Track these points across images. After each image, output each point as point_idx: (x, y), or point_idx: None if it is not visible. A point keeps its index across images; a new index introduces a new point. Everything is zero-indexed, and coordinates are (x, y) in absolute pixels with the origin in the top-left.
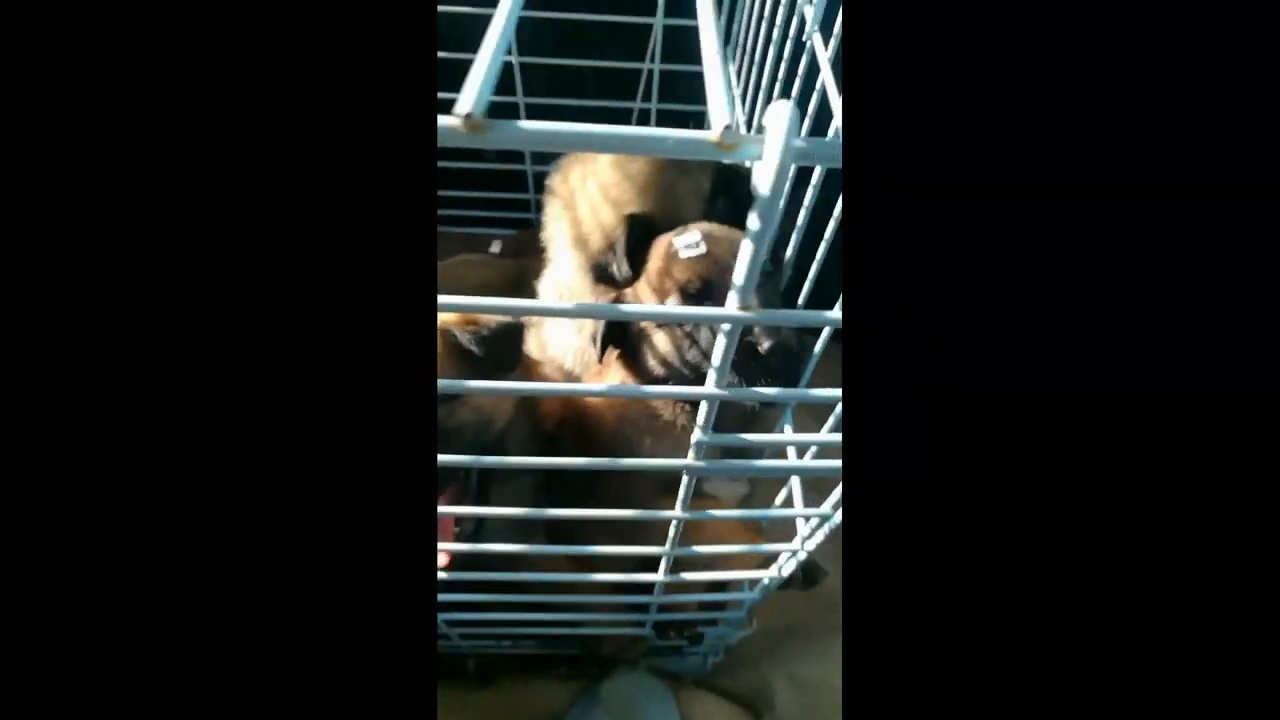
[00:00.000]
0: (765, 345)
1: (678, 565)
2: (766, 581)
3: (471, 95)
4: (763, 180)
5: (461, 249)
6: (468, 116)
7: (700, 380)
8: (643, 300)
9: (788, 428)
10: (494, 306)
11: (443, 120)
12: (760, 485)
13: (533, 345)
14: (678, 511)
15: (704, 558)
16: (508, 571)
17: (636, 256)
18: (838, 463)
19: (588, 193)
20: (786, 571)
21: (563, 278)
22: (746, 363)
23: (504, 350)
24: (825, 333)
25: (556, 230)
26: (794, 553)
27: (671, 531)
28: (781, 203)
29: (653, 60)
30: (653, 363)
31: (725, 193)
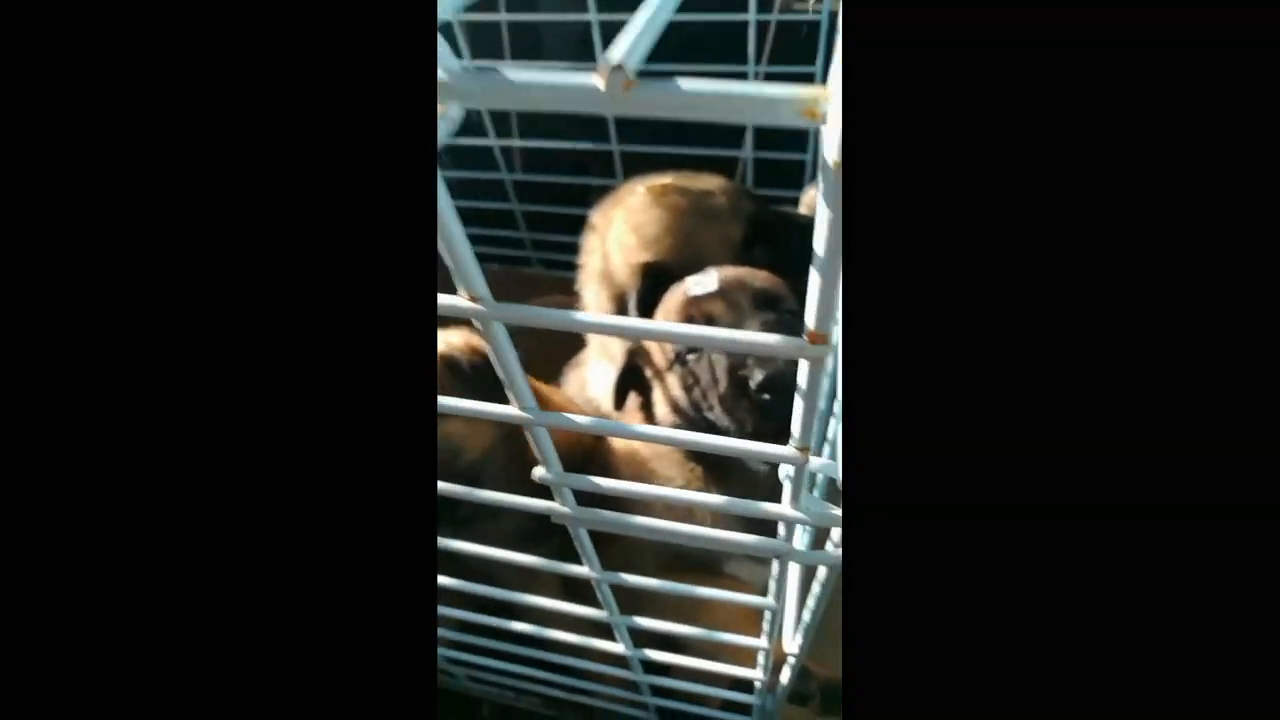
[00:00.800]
0: (757, 379)
1: (654, 642)
2: (758, 685)
3: (625, 47)
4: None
5: (558, 293)
6: (617, 69)
7: (707, 427)
8: (655, 352)
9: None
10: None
11: (581, 79)
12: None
13: (573, 385)
14: (591, 571)
15: (660, 634)
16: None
17: (652, 307)
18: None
19: (617, 232)
20: (785, 678)
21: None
22: (736, 400)
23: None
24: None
25: (589, 265)
26: (767, 652)
27: (600, 595)
28: None
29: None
30: (663, 410)
31: (764, 240)
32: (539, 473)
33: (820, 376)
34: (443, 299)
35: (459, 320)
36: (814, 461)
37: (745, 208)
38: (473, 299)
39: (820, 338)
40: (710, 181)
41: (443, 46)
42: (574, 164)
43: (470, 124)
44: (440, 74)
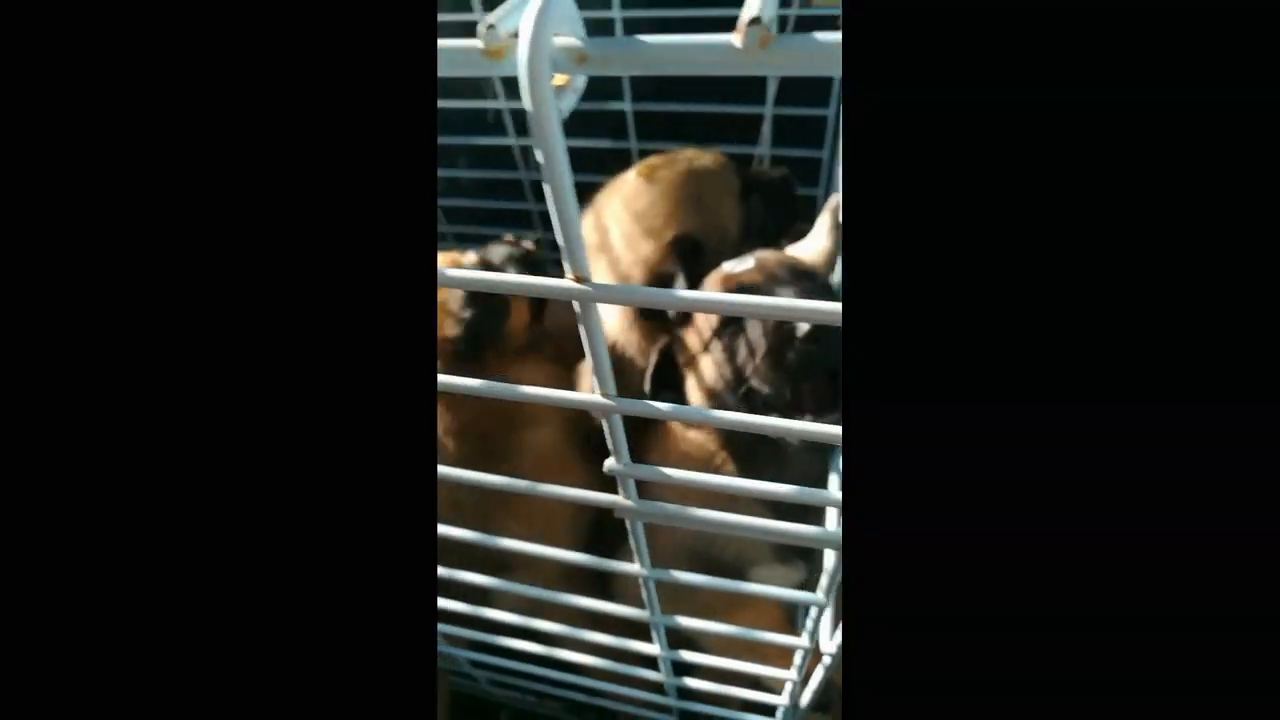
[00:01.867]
0: (804, 328)
1: (687, 644)
2: (790, 686)
3: (758, 2)
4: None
5: None
6: (755, 22)
7: (748, 406)
8: (691, 335)
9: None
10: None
11: (717, 39)
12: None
13: (584, 388)
14: (641, 569)
15: (697, 634)
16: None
17: (691, 278)
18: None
19: (627, 215)
20: (815, 682)
21: (607, 319)
22: (775, 365)
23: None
24: None
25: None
26: (806, 652)
27: (645, 593)
28: None
29: None
30: (698, 397)
31: (755, 188)
32: (610, 464)
33: None
34: (545, 281)
35: None
36: None
37: (731, 166)
38: (578, 279)
39: None
40: (690, 152)
41: (573, 15)
42: (594, 162)
43: (489, 123)
44: (574, 41)
